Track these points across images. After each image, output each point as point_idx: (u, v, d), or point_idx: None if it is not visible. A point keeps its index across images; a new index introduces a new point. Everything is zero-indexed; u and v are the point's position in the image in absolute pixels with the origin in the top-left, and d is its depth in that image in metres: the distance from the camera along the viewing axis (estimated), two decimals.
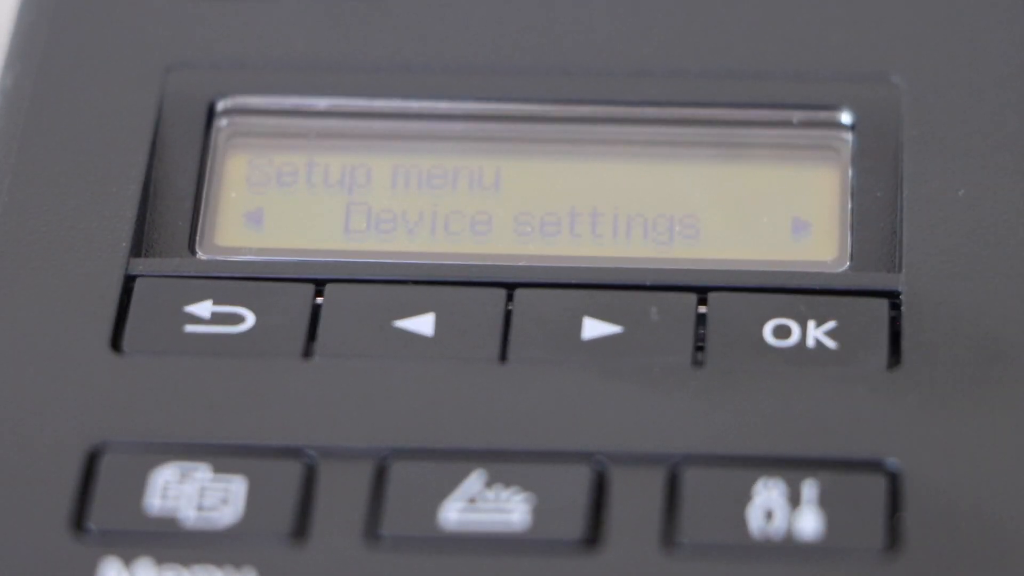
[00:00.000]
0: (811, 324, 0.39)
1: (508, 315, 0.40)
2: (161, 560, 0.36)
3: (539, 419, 0.38)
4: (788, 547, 0.37)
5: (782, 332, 0.39)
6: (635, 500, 0.37)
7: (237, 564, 0.36)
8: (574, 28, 0.44)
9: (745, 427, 0.38)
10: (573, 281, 0.40)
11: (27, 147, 0.42)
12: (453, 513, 0.37)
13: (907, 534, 0.37)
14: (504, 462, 0.38)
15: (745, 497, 0.37)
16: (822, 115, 0.42)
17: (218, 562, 0.36)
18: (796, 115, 0.42)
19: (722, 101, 0.43)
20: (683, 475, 0.38)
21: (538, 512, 0.37)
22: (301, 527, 0.37)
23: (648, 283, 0.40)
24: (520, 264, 0.41)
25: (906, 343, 0.39)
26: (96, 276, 0.40)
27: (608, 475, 0.38)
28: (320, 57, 0.44)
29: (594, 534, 0.37)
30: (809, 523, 0.36)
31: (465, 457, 0.38)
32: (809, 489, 0.37)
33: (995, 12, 0.44)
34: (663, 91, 0.43)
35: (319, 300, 0.39)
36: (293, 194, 0.42)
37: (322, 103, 0.43)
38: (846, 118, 0.42)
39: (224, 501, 0.37)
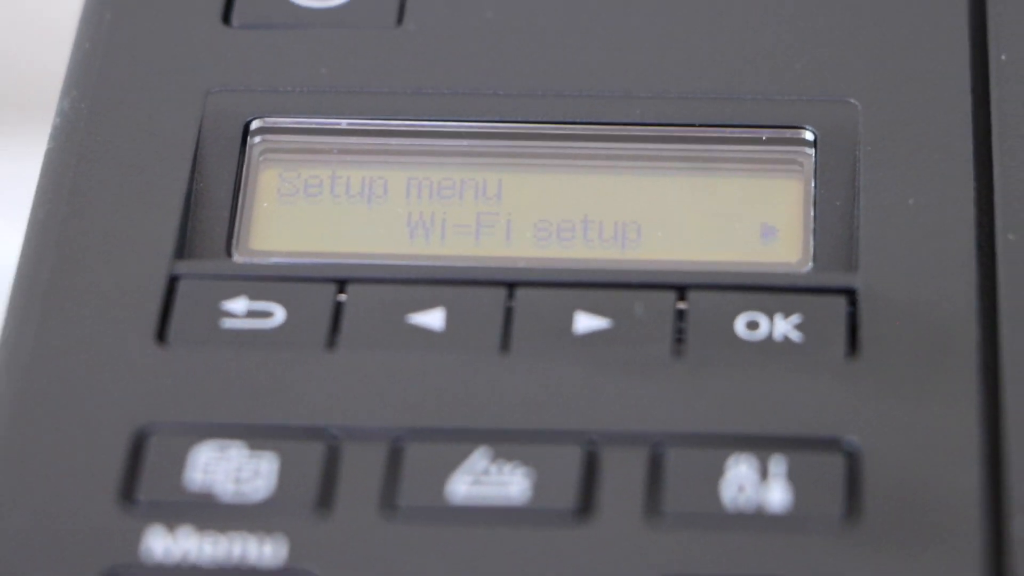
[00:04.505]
0: (778, 318, 0.39)
1: (509, 311, 0.39)
2: (201, 528, 0.36)
3: (537, 403, 0.38)
4: (758, 517, 0.36)
5: (752, 325, 0.39)
6: (622, 475, 0.37)
7: (269, 532, 0.36)
8: (566, 56, 0.44)
9: (719, 410, 0.38)
10: (567, 280, 0.40)
11: (84, 162, 0.42)
12: (461, 487, 0.36)
13: (865, 505, 0.36)
14: (506, 441, 0.37)
15: (719, 472, 0.37)
16: (787, 133, 0.42)
17: (252, 530, 0.36)
18: (765, 133, 0.42)
19: (699, 121, 0.43)
20: (664, 452, 0.37)
21: (536, 486, 0.37)
22: (326, 499, 0.36)
23: (633, 282, 0.40)
24: (520, 265, 0.41)
25: (863, 335, 0.39)
26: (143, 276, 0.40)
27: (598, 453, 0.37)
28: (342, 82, 0.43)
29: (586, 505, 0.37)
30: (776, 495, 0.36)
31: (471, 437, 0.38)
32: (776, 465, 0.37)
33: (940, 41, 0.44)
34: (646, 112, 0.42)
35: (342, 297, 0.39)
36: (318, 203, 0.42)
37: (344, 123, 0.43)
38: (808, 136, 0.42)
39: (257, 475, 0.36)
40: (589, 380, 0.38)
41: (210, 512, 0.36)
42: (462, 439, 0.38)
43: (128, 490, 0.36)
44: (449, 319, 0.39)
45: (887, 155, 0.42)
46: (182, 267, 0.40)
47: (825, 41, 0.44)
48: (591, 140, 0.43)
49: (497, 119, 0.43)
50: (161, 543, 0.36)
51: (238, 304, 0.39)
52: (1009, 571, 0.36)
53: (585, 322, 0.39)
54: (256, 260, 0.40)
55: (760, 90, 0.43)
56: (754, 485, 0.36)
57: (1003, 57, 0.43)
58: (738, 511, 0.36)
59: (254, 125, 0.42)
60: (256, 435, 0.37)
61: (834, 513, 0.36)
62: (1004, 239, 0.40)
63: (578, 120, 0.42)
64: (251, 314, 0.39)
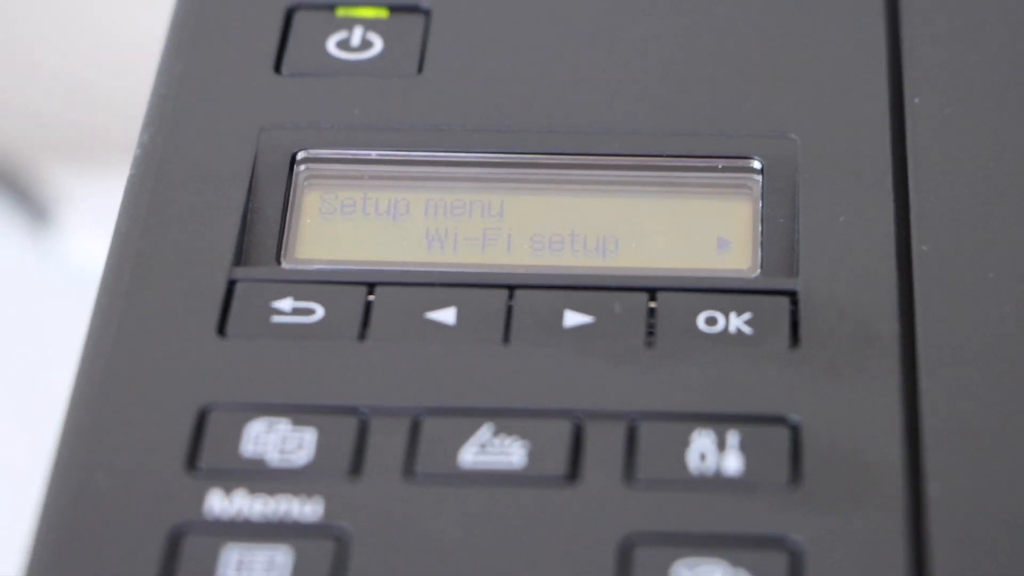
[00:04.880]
0: (732, 315, 0.38)
1: (510, 309, 0.38)
2: (253, 491, 0.35)
3: (532, 386, 0.37)
4: (716, 481, 0.36)
5: (711, 321, 0.38)
6: (603, 446, 0.36)
7: (309, 494, 0.35)
8: (556, 98, 0.43)
9: (684, 391, 0.37)
10: (557, 284, 0.39)
11: (159, 186, 0.41)
12: (469, 456, 0.36)
13: (805, 471, 0.35)
14: (507, 418, 0.36)
15: (685, 443, 0.36)
16: (740, 163, 0.41)
17: (295, 492, 0.35)
18: (721, 163, 0.41)
19: (667, 152, 0.42)
20: (639, 427, 0.36)
21: (532, 455, 0.36)
22: (356, 466, 0.36)
23: (612, 285, 0.39)
24: (518, 271, 0.40)
25: (803, 329, 0.38)
26: (207, 280, 0.39)
27: (583, 427, 0.36)
28: (372, 121, 0.43)
29: (573, 471, 0.36)
30: (732, 463, 0.36)
31: (478, 414, 0.37)
32: (732, 437, 0.36)
33: (865, 86, 0.43)
34: (624, 145, 0.41)
35: (371, 298, 0.38)
36: (352, 220, 0.41)
37: (373, 154, 0.42)
38: (757, 165, 0.41)
39: (300, 447, 0.36)
40: (576, 367, 0.37)
41: (260, 477, 0.35)
42: (471, 415, 0.37)
43: (192, 458, 0.36)
44: (460, 316, 0.38)
45: (821, 181, 0.41)
46: (239, 272, 0.39)
47: (771, 85, 0.43)
48: (577, 168, 0.42)
49: (499, 151, 0.42)
50: (219, 503, 0.35)
51: (285, 303, 0.38)
52: (926, 526, 0.35)
53: (573, 318, 0.38)
54: (300, 267, 0.39)
55: (717, 127, 0.42)
56: (713, 454, 0.36)
57: (916, 100, 0.42)
58: (700, 476, 0.36)
59: (300, 156, 0.41)
60: (299, 412, 0.36)
61: (780, 478, 0.36)
62: (919, 249, 0.39)
63: (566, 152, 0.41)
64: (296, 311, 0.38)
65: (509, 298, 0.38)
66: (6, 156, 0.72)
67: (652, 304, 0.38)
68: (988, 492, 0.36)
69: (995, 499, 0.36)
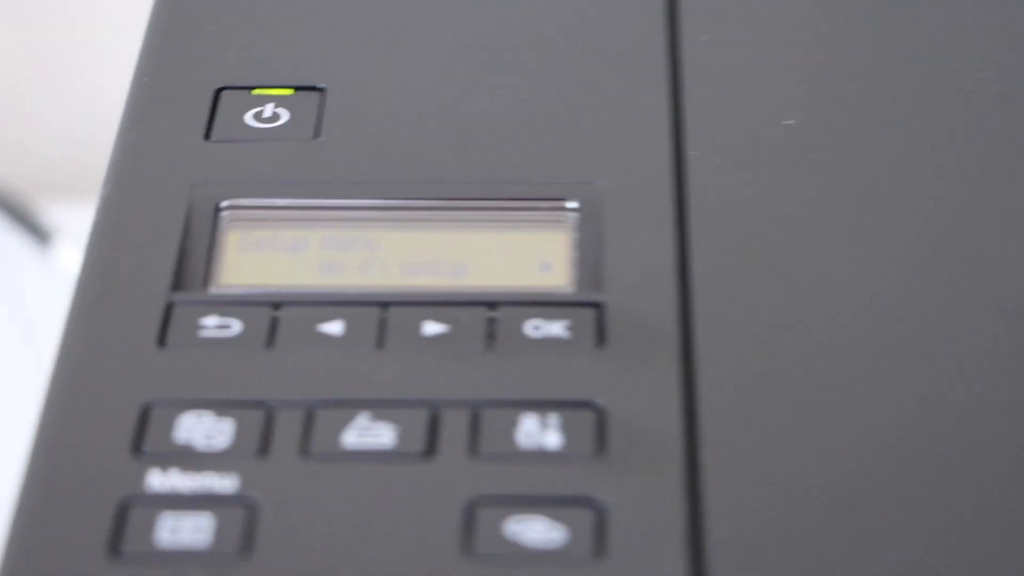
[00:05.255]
0: (554, 322, 0.37)
1: (383, 321, 0.38)
2: (183, 470, 0.34)
3: (399, 382, 0.37)
4: (540, 454, 0.35)
5: (537, 328, 0.37)
6: (455, 426, 0.35)
7: (227, 471, 0.34)
8: (419, 153, 0.42)
9: (515, 384, 0.36)
10: (419, 301, 0.38)
11: (115, 229, 0.40)
12: (351, 438, 0.35)
13: (609, 444, 0.35)
14: (379, 408, 0.36)
15: (515, 424, 0.36)
16: (559, 203, 0.41)
17: (216, 470, 0.34)
18: (545, 203, 0.41)
19: (505, 196, 0.41)
20: (481, 413, 0.36)
21: (399, 437, 0.35)
22: (264, 449, 0.35)
23: (461, 301, 0.38)
24: (390, 292, 0.39)
25: (608, 332, 0.37)
26: (151, 302, 0.38)
27: (438, 414, 0.36)
28: (280, 176, 0.42)
29: (430, 449, 0.35)
30: (552, 439, 0.35)
31: (357, 405, 0.36)
32: (551, 419, 0.35)
33: (654, 137, 0.43)
34: (472, 191, 0.41)
35: (277, 315, 0.37)
36: (263, 254, 0.40)
37: (280, 202, 0.41)
38: (572, 205, 0.40)
39: (220, 434, 0.35)
40: (433, 366, 0.37)
41: (189, 459, 0.35)
42: (351, 407, 0.36)
43: (137, 445, 0.35)
44: (345, 328, 0.38)
45: (621, 216, 0.40)
46: (175, 296, 0.38)
47: (585, 141, 0.43)
48: (435, 210, 0.41)
49: (376, 198, 0.41)
50: (157, 480, 0.34)
51: (210, 320, 0.37)
52: (701, 485, 0.34)
53: (431, 328, 0.37)
54: (222, 291, 0.39)
55: (544, 176, 0.41)
56: (537, 432, 0.35)
57: (693, 153, 0.42)
58: (527, 450, 0.35)
59: (223, 204, 0.40)
60: (220, 406, 0.36)
61: (588, 450, 0.35)
62: (694, 269, 0.39)
63: (427, 197, 0.41)
64: (218, 327, 0.37)
65: (383, 312, 0.38)
66: (15, 191, 0.73)
67: (491, 315, 0.38)
68: (751, 458, 0.35)
69: (757, 463, 0.35)
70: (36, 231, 0.69)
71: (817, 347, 0.38)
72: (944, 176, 0.42)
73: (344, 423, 0.35)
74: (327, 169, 0.41)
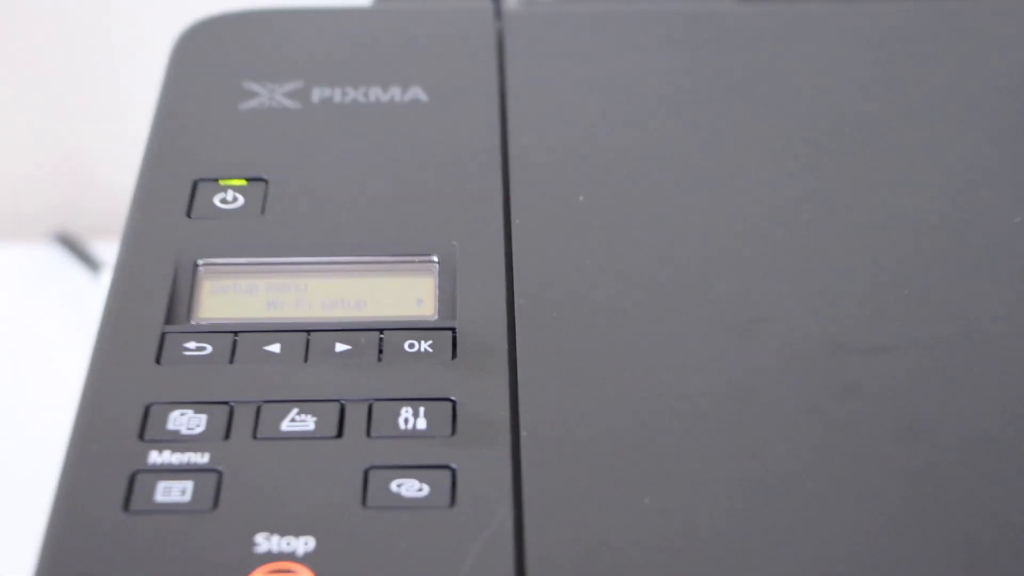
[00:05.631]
0: (423, 342, 0.37)
1: (307, 343, 0.37)
2: (173, 451, 0.34)
3: (319, 385, 0.36)
4: (413, 434, 0.35)
5: (412, 346, 0.37)
6: (356, 416, 0.35)
7: (202, 450, 0.34)
8: (334, 225, 0.42)
9: (399, 385, 0.36)
10: (333, 327, 0.38)
11: (127, 277, 0.39)
12: (285, 426, 0.34)
13: (459, 427, 0.35)
14: (305, 403, 0.35)
15: (397, 414, 0.35)
16: (427, 258, 0.40)
17: (195, 450, 0.34)
18: (417, 258, 0.40)
19: (390, 253, 0.41)
20: (374, 406, 0.35)
21: (318, 424, 0.34)
22: (227, 434, 0.34)
23: (361, 328, 0.37)
24: (313, 322, 0.38)
25: (460, 348, 0.37)
26: (152, 332, 0.37)
27: (345, 408, 0.35)
28: (237, 244, 0.41)
29: (339, 432, 0.34)
30: (422, 423, 0.35)
31: (290, 402, 0.35)
32: (421, 409, 0.35)
33: (489, 206, 0.41)
34: (368, 250, 0.41)
35: (236, 339, 0.36)
36: (227, 296, 0.40)
37: (240, 260, 0.40)
38: (435, 259, 0.40)
39: (198, 425, 0.34)
40: (341, 374, 0.36)
41: (176, 442, 0.34)
42: (287, 403, 0.35)
43: (141, 434, 0.34)
44: (282, 347, 0.37)
45: (467, 267, 0.40)
46: (167, 328, 0.37)
47: (442, 217, 0.42)
48: (344, 264, 0.41)
49: (305, 256, 0.40)
50: (155, 457, 0.34)
51: (191, 344, 0.37)
52: (520, 456, 0.34)
53: (340, 347, 0.37)
54: (199, 323, 0.38)
55: (416, 238, 0.40)
56: (412, 419, 0.35)
57: (516, 221, 0.41)
58: (404, 432, 0.35)
59: (200, 262, 0.39)
60: (197, 405, 0.35)
61: (446, 431, 0.35)
62: (518, 302, 0.38)
63: (338, 255, 0.40)
64: (196, 349, 0.37)
65: (308, 336, 0.37)
66: (74, 231, 0.70)
67: (381, 336, 0.37)
68: (561, 434, 0.35)
69: (566, 438, 0.35)
70: (89, 262, 0.67)
71: (611, 342, 0.37)
72: (746, 248, 0.39)
73: (282, 415, 0.35)
74: (270, 237, 0.41)
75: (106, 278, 0.51)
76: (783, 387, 0.35)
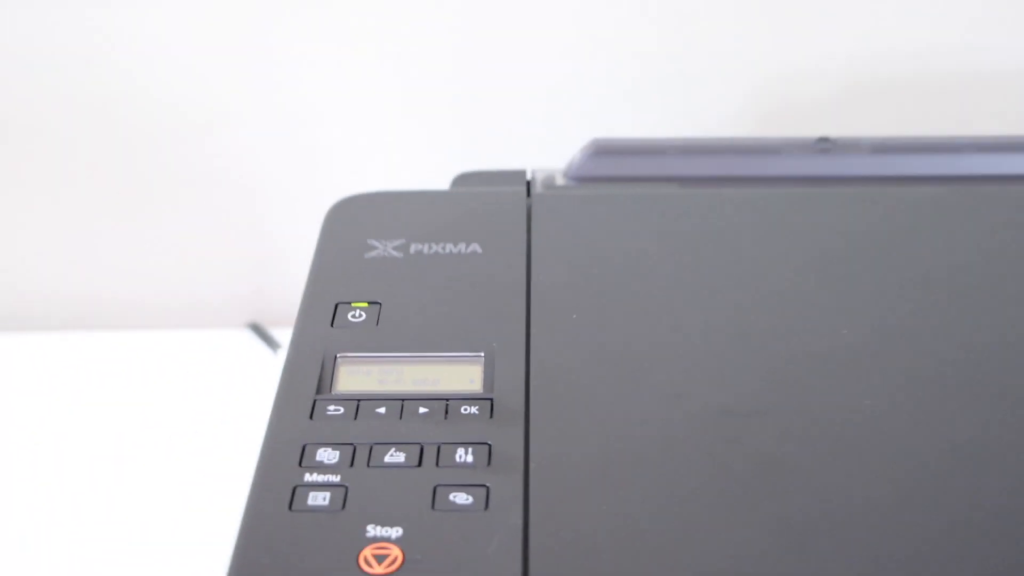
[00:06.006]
0: (472, 407, 0.36)
1: (402, 407, 0.37)
2: (320, 473, 0.34)
3: (407, 434, 0.36)
4: (465, 464, 0.34)
5: (466, 409, 0.36)
6: (432, 454, 0.35)
7: (336, 474, 0.33)
8: (417, 332, 0.40)
9: (458, 434, 0.35)
10: (419, 397, 0.37)
11: (294, 365, 0.38)
12: (387, 458, 0.34)
13: (493, 461, 0.34)
14: (400, 444, 0.35)
15: (456, 452, 0.34)
16: (476, 353, 0.39)
17: (332, 473, 0.33)
18: (470, 354, 0.39)
19: (455, 351, 0.40)
20: (442, 447, 0.34)
21: (407, 457, 0.34)
22: (352, 463, 0.34)
23: (436, 397, 0.37)
24: (405, 394, 0.38)
25: (495, 411, 0.36)
26: (306, 400, 0.37)
27: (424, 448, 0.34)
28: (362, 343, 0.40)
29: (420, 463, 0.34)
30: (470, 458, 0.34)
31: (391, 443, 0.35)
32: (471, 450, 0.34)
33: (514, 323, 0.40)
34: (440, 347, 0.39)
35: (358, 404, 0.36)
36: (355, 376, 0.39)
37: (362, 355, 0.40)
38: (482, 354, 0.39)
39: (334, 458, 0.34)
40: (422, 427, 0.36)
41: (321, 468, 0.34)
42: (388, 444, 0.34)
43: (300, 462, 0.34)
44: (386, 410, 0.36)
45: (497, 361, 0.39)
46: (317, 396, 0.37)
47: (481, 333, 0.40)
48: (426, 358, 0.39)
49: (399, 351, 0.39)
50: (309, 477, 0.33)
51: (331, 407, 0.36)
52: (530, 479, 0.33)
53: (422, 410, 0.36)
54: (337, 394, 0.37)
55: (471, 344, 0.39)
56: (464, 455, 0.34)
57: (534, 331, 0.40)
58: (461, 463, 0.33)
59: (338, 355, 0.39)
60: (335, 444, 0.35)
61: (483, 463, 0.33)
62: (532, 382, 0.38)
63: (421, 352, 0.39)
64: (334, 410, 0.36)
65: (402, 403, 0.36)
66: (261, 320, 0.68)
67: (447, 403, 0.36)
68: (557, 467, 0.33)
69: (560, 468, 0.33)
70: (270, 343, 0.67)
71: (594, 408, 0.35)
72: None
73: (385, 452, 0.34)
74: (381, 340, 0.39)
75: (282, 356, 0.49)
76: (688, 439, 0.34)
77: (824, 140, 0.45)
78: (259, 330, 0.69)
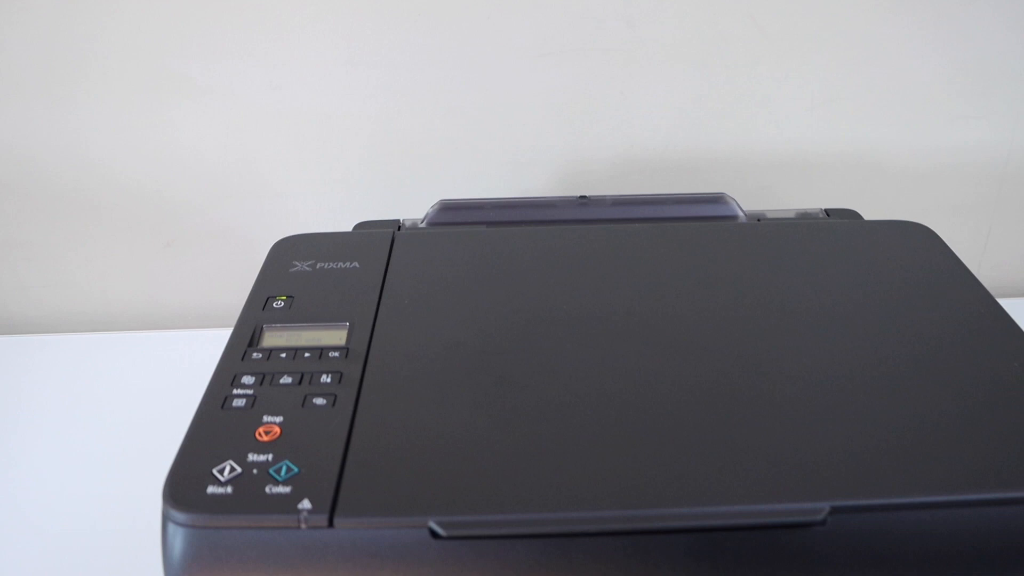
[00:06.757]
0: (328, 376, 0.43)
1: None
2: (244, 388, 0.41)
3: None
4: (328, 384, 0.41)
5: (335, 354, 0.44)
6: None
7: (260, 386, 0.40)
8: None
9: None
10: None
11: (233, 344, 0.46)
12: (282, 380, 0.41)
13: (344, 377, 0.41)
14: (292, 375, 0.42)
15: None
16: (342, 323, 0.47)
17: (252, 387, 0.41)
18: (337, 325, 0.46)
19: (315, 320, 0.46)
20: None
21: (294, 380, 0.41)
22: (262, 382, 0.41)
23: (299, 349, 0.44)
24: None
25: (350, 355, 0.44)
26: (240, 352, 0.44)
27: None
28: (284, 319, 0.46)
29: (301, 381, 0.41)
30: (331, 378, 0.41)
31: (288, 374, 0.42)
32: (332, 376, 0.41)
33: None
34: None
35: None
36: (275, 338, 0.47)
37: (279, 325, 0.47)
38: (348, 323, 0.46)
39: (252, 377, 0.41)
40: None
41: (245, 383, 0.40)
42: (283, 374, 0.42)
43: (231, 382, 0.42)
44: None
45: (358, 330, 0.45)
46: (248, 348, 0.44)
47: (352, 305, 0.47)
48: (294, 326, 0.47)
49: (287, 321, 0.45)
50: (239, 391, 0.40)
51: (256, 354, 0.44)
52: (362, 388, 0.40)
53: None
54: (262, 348, 0.45)
55: (336, 319, 0.45)
56: (328, 378, 0.41)
57: (377, 327, 0.47)
58: (325, 384, 0.40)
59: (264, 325, 0.46)
60: (255, 374, 0.41)
61: (339, 379, 0.40)
62: (372, 347, 0.45)
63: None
64: (259, 355, 0.44)
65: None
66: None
67: (322, 351, 0.41)
68: (382, 389, 0.40)
69: (384, 390, 0.40)
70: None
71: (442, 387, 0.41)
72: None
73: (279, 377, 0.40)
74: (290, 317, 0.46)
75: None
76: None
77: (583, 197, 0.59)
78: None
